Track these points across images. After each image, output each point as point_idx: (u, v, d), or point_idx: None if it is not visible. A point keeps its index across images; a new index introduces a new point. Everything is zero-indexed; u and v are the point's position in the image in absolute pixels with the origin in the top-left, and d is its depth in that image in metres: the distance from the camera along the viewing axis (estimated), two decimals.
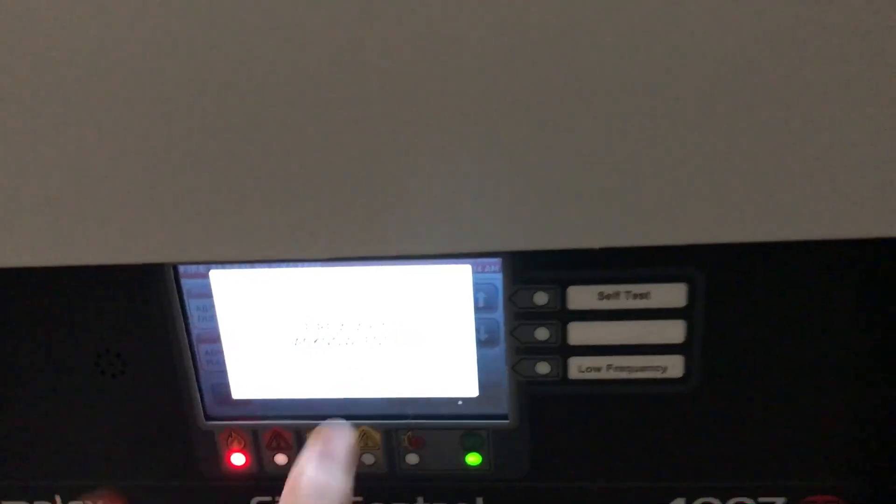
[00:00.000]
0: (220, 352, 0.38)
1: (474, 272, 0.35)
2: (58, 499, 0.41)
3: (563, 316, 0.35)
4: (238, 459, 0.39)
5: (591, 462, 0.37)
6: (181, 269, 0.36)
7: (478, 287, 0.35)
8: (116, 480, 0.40)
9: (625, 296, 0.34)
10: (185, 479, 0.40)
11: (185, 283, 0.36)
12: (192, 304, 0.37)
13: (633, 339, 0.35)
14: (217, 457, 0.39)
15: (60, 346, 0.37)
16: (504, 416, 0.37)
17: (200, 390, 0.38)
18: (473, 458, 0.38)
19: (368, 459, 0.38)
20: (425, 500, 0.39)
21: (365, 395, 0.38)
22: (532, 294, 0.34)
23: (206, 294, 0.36)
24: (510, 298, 0.35)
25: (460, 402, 0.37)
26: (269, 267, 0.36)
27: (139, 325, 0.36)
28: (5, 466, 0.40)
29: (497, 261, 0.35)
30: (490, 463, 0.38)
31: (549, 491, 0.38)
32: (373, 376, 0.37)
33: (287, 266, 0.36)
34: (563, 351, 0.35)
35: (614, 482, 0.38)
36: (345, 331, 0.36)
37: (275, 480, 0.38)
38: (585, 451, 0.37)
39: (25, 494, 0.41)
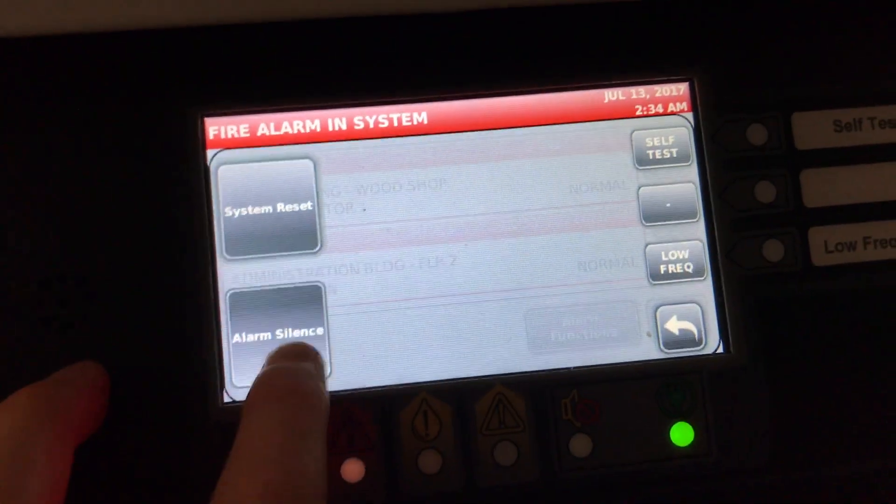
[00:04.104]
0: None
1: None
2: None
3: (791, 160, 0.24)
4: None
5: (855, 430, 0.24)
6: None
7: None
8: None
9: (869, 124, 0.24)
10: None
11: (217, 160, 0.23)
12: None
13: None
14: None
15: None
16: (722, 350, 0.23)
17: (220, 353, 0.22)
18: (681, 434, 0.23)
19: (506, 456, 0.22)
20: None
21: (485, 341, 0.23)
22: (744, 129, 0.24)
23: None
24: (713, 138, 0.24)
25: (648, 334, 0.24)
26: None
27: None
28: None
29: (684, 86, 0.24)
30: (707, 440, 0.23)
31: (796, 484, 0.23)
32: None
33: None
34: (799, 218, 0.24)
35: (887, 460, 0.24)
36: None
37: None
38: (849, 407, 0.24)
39: None
